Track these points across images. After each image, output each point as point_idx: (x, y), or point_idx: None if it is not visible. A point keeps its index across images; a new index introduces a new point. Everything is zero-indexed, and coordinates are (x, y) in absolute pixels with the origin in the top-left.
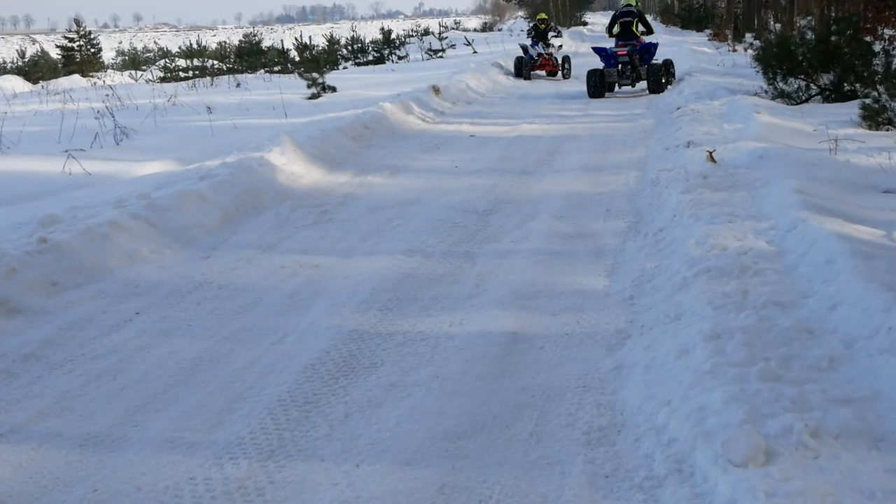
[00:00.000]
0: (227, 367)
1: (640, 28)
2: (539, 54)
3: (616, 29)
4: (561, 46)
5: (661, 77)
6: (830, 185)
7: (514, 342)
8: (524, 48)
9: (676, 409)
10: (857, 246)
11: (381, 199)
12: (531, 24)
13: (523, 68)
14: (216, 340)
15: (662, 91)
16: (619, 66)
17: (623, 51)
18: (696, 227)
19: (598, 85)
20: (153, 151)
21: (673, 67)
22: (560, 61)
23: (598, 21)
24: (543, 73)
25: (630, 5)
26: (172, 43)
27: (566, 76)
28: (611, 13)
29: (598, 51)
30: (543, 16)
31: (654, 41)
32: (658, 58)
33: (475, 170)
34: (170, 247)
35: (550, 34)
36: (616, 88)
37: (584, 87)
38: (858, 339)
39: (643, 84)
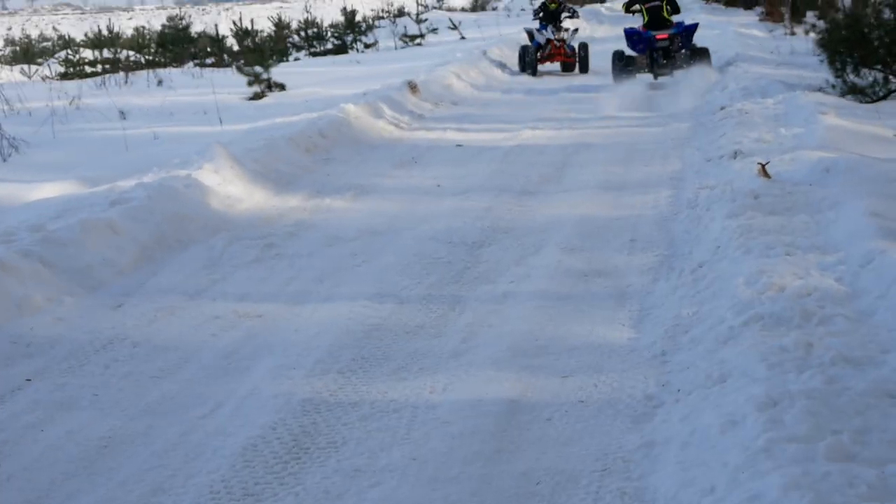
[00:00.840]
0: (143, 450)
1: (669, 10)
2: (548, 41)
3: (644, 18)
4: (577, 30)
5: (707, 60)
6: None
7: (512, 412)
8: (530, 33)
9: (722, 499)
10: None
11: (343, 229)
12: (538, 2)
13: (527, 60)
14: (130, 415)
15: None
16: (654, 52)
17: (664, 34)
18: (746, 261)
19: (624, 68)
20: (51, 169)
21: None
22: (576, 50)
23: None
24: (556, 65)
25: None
26: (77, 29)
27: (583, 69)
28: None
29: (630, 33)
30: None
31: (693, 22)
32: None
33: (463, 189)
34: (71, 293)
35: (564, 15)
36: (655, 80)
37: (603, 82)
38: None
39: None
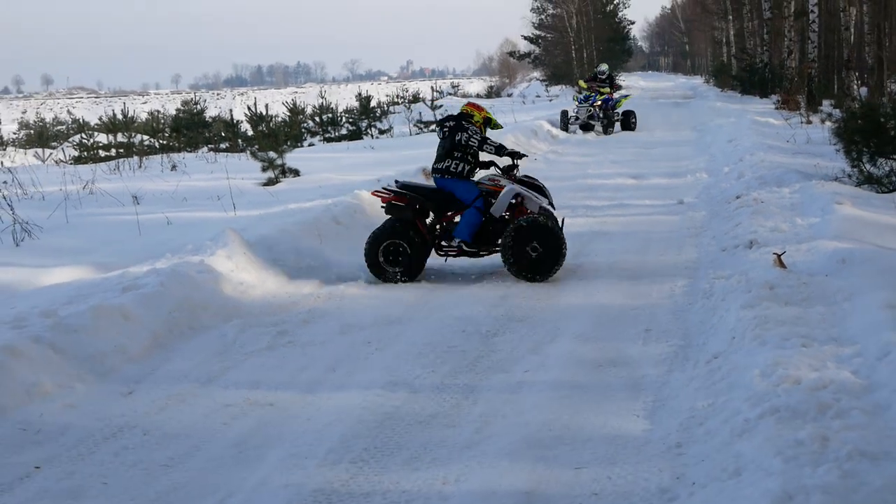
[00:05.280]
0: None
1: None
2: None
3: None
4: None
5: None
6: None
7: None
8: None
9: None
10: None
11: (356, 316)
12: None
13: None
14: (139, 503)
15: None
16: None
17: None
18: (761, 352)
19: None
20: (63, 254)
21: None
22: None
23: (634, 84)
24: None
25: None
26: (91, 112)
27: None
28: (651, 73)
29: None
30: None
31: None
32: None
33: (478, 275)
34: (81, 379)
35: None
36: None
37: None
38: None
39: (690, 171)
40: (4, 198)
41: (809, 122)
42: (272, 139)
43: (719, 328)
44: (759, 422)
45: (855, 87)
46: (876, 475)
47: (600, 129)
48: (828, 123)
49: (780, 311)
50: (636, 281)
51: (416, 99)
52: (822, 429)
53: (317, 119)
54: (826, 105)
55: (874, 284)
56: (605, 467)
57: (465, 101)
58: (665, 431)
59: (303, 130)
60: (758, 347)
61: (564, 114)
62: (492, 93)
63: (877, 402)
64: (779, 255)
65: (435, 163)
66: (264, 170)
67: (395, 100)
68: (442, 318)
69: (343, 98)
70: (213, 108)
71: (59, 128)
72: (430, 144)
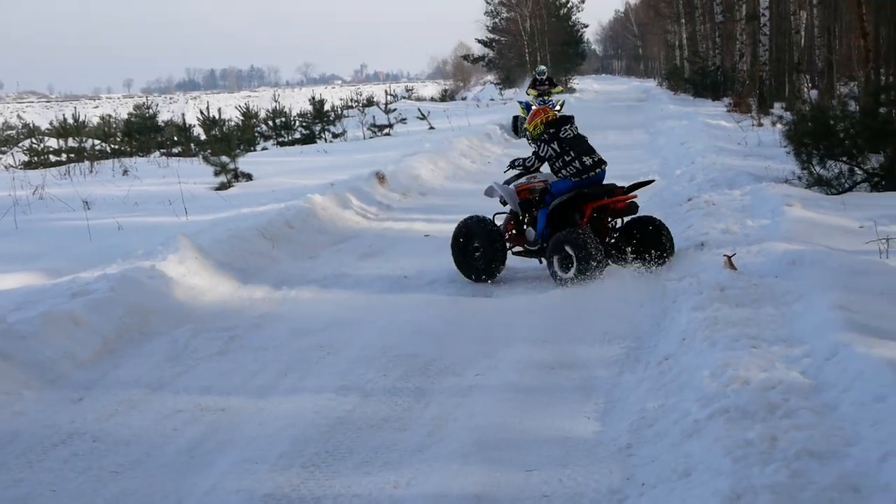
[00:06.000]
0: None
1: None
2: None
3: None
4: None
5: None
6: (882, 298)
7: None
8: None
9: None
10: None
11: (309, 321)
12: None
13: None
14: None
15: None
16: None
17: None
18: (712, 353)
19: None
20: (12, 260)
21: None
22: None
23: (588, 87)
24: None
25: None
26: (42, 117)
27: None
28: (604, 76)
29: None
30: None
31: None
32: None
33: (430, 280)
34: (30, 385)
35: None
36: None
37: None
38: None
39: (643, 173)
40: None
41: (760, 125)
42: (225, 143)
43: (670, 330)
44: (709, 422)
45: (805, 89)
46: (823, 474)
47: None
48: (778, 126)
49: (731, 313)
50: (588, 283)
51: (370, 102)
52: (771, 429)
53: (270, 123)
54: (777, 108)
55: (823, 285)
56: (556, 469)
57: (417, 103)
58: (615, 433)
59: (256, 134)
60: (708, 349)
61: (515, 119)
62: (446, 96)
63: (825, 401)
64: (729, 257)
65: (594, 156)
66: (217, 174)
67: (349, 103)
68: (394, 321)
69: (297, 102)
70: (166, 112)
71: (8, 132)
72: (385, 148)
